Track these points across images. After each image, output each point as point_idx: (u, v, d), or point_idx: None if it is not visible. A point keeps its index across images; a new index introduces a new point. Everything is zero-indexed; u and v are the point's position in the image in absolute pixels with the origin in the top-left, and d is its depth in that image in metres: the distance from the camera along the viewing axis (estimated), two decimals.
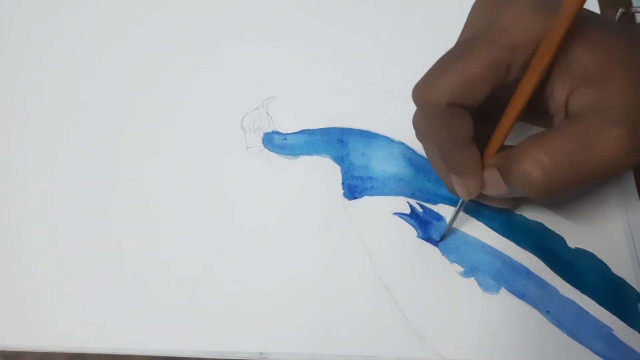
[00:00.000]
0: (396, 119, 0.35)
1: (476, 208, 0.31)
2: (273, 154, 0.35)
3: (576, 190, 0.24)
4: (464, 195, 0.27)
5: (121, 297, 0.31)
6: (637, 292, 0.29)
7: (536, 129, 0.25)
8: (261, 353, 0.29)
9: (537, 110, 0.26)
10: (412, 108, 0.34)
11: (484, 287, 0.30)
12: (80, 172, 0.35)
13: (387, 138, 0.34)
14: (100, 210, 0.34)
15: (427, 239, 0.31)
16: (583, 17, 0.23)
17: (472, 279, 0.30)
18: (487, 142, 0.26)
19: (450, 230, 0.31)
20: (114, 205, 0.34)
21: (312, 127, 0.35)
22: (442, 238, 0.31)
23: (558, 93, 0.24)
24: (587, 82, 0.23)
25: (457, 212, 0.29)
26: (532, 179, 0.23)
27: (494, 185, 0.26)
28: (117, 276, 0.32)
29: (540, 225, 0.31)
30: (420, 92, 0.25)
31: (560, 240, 0.30)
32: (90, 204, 0.34)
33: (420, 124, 0.28)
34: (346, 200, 0.33)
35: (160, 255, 0.32)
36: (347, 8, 0.39)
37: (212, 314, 0.30)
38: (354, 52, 0.37)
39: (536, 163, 0.23)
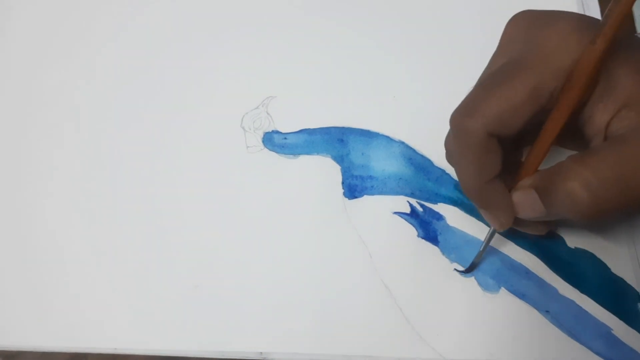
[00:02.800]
0: (396, 119, 0.35)
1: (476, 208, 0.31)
2: (273, 154, 0.35)
3: (621, 213, 0.23)
4: (496, 227, 0.27)
5: (121, 297, 0.31)
6: (637, 292, 0.29)
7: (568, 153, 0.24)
8: (261, 353, 0.29)
9: (572, 134, 0.25)
10: (412, 107, 0.34)
11: (484, 286, 0.30)
12: (80, 172, 0.35)
13: (387, 137, 0.34)
14: (100, 210, 0.34)
15: (428, 238, 0.31)
16: (622, 40, 0.23)
17: (472, 278, 0.30)
18: (513, 166, 0.26)
19: (479, 260, 0.30)
20: (114, 205, 0.34)
21: (312, 127, 0.35)
22: (472, 268, 0.30)
23: (599, 116, 0.23)
24: (629, 105, 0.23)
25: (487, 242, 0.29)
26: (578, 199, 0.22)
27: (531, 209, 0.25)
28: (117, 276, 0.32)
29: None
30: (460, 119, 0.24)
31: (560, 240, 0.30)
32: (90, 205, 0.34)
33: (452, 148, 0.27)
34: (346, 199, 0.33)
35: (160, 255, 0.32)
36: (347, 8, 0.39)
37: (212, 314, 0.30)
38: (354, 51, 0.37)
39: (582, 182, 0.22)
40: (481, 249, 0.29)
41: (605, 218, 0.23)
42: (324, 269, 0.31)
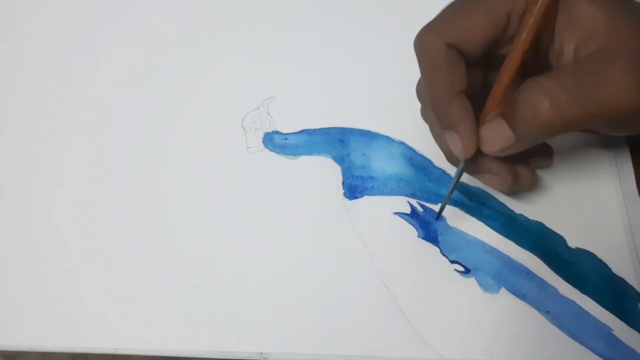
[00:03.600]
0: (397, 119, 0.35)
1: (476, 208, 0.31)
2: (273, 154, 0.35)
3: (584, 124, 0.24)
4: (459, 153, 0.26)
5: (122, 297, 0.31)
6: (637, 292, 0.29)
7: None
8: (261, 353, 0.29)
9: (538, 65, 0.26)
10: (413, 107, 0.34)
11: (484, 287, 0.30)
12: (81, 173, 0.35)
13: (388, 138, 0.34)
14: (100, 211, 0.34)
15: (428, 239, 0.31)
16: None
17: (472, 279, 0.30)
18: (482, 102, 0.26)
19: (447, 203, 0.30)
20: (114, 206, 0.34)
21: (312, 127, 0.35)
22: (439, 215, 0.31)
23: (566, 46, 0.24)
24: (594, 35, 0.23)
25: (456, 181, 0.29)
26: (541, 109, 0.23)
27: (498, 136, 0.25)
28: (118, 276, 0.32)
29: (540, 225, 0.31)
30: (421, 36, 0.26)
31: (560, 240, 0.30)
32: (91, 205, 0.34)
33: (421, 87, 0.28)
34: (346, 200, 0.33)
35: (160, 255, 0.32)
36: (347, 8, 0.39)
37: (212, 314, 0.30)
38: (355, 51, 0.37)
39: (542, 89, 0.23)
40: (450, 189, 0.29)
41: (569, 129, 0.23)
42: (324, 269, 0.31)
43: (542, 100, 0.23)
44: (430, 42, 0.25)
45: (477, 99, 0.26)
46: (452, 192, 0.29)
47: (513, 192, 0.31)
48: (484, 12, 0.24)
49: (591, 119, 0.23)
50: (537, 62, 0.26)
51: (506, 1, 0.24)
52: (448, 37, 0.24)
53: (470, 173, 0.29)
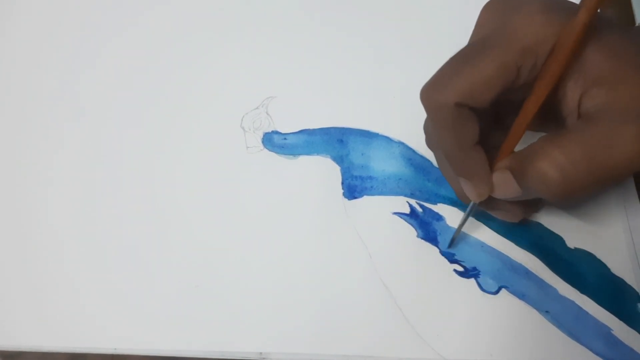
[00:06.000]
0: (396, 119, 0.35)
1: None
2: (273, 154, 0.35)
3: (592, 191, 0.24)
4: (473, 197, 0.27)
5: (121, 297, 0.31)
6: (637, 292, 0.29)
7: None
8: (261, 353, 0.29)
9: (549, 115, 0.26)
10: (412, 107, 0.34)
11: (484, 287, 0.30)
12: (80, 172, 0.35)
13: (387, 138, 0.34)
14: (100, 210, 0.34)
15: (427, 239, 0.31)
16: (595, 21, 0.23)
17: (472, 279, 0.30)
18: (497, 151, 0.26)
19: (458, 236, 0.30)
20: (114, 205, 0.34)
21: (311, 127, 0.35)
22: (451, 245, 0.31)
23: (570, 94, 0.24)
24: (599, 83, 0.23)
25: (466, 217, 0.29)
26: (549, 180, 0.23)
27: (506, 188, 0.26)
28: (117, 276, 0.32)
29: (539, 225, 0.31)
30: (428, 93, 0.25)
31: (559, 240, 0.31)
32: (90, 204, 0.34)
33: (429, 127, 0.28)
34: (346, 200, 0.33)
35: (160, 255, 0.32)
36: (347, 7, 0.39)
37: (212, 313, 0.30)
38: (354, 51, 0.37)
39: (553, 162, 0.23)
40: (460, 223, 0.29)
41: (577, 196, 0.23)
42: (323, 269, 0.31)
43: (553, 174, 0.23)
44: (438, 101, 0.24)
45: (485, 133, 0.26)
46: (462, 225, 0.29)
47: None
48: (493, 68, 0.23)
49: (600, 186, 0.23)
50: (545, 106, 0.25)
51: (516, 55, 0.23)
52: (457, 97, 0.24)
53: (482, 207, 0.29)
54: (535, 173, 0.23)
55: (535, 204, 0.30)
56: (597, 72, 0.23)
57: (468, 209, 0.29)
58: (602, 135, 0.22)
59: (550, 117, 0.26)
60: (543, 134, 0.25)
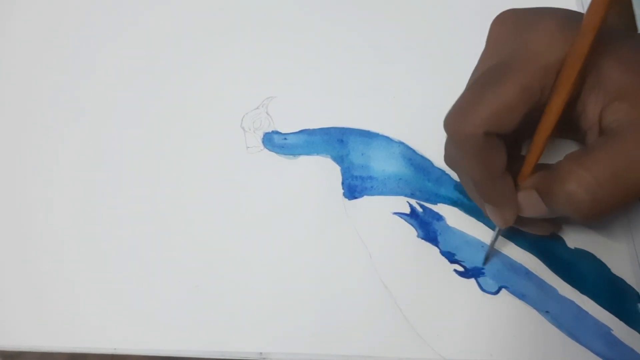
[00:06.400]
0: (396, 119, 0.35)
1: (476, 208, 0.31)
2: (273, 154, 0.35)
3: (621, 208, 0.24)
4: (499, 224, 0.27)
5: (121, 297, 0.31)
6: (637, 292, 0.29)
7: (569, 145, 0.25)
8: (261, 353, 0.29)
9: (569, 127, 0.25)
10: (412, 107, 0.34)
11: (484, 287, 0.30)
12: (80, 173, 0.35)
13: (387, 138, 0.34)
14: (100, 210, 0.34)
15: (428, 239, 0.31)
16: (609, 33, 0.23)
17: (472, 279, 0.30)
18: (515, 162, 0.26)
19: (492, 254, 0.30)
20: (114, 206, 0.34)
21: (312, 127, 0.35)
22: (486, 262, 0.30)
23: (591, 108, 0.24)
24: (620, 97, 0.23)
25: (495, 238, 0.29)
26: (578, 201, 0.22)
27: (533, 207, 0.25)
28: (117, 276, 0.32)
29: None
30: (454, 124, 0.24)
31: (559, 240, 0.30)
32: (90, 205, 0.34)
33: (453, 152, 0.27)
34: (346, 200, 0.33)
35: (160, 255, 0.32)
36: (347, 8, 0.39)
37: (212, 313, 0.30)
38: (354, 51, 0.37)
39: (581, 183, 0.22)
40: (492, 240, 0.29)
41: (606, 215, 0.23)
42: (323, 269, 0.31)
43: (582, 196, 0.22)
44: (466, 131, 0.24)
45: (510, 155, 0.26)
46: (494, 241, 0.29)
47: None
48: (517, 92, 0.23)
49: (628, 202, 0.23)
50: (565, 119, 0.25)
51: (538, 77, 0.23)
52: (485, 126, 0.23)
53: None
54: (564, 194, 0.23)
55: (564, 218, 0.30)
56: (617, 86, 0.23)
57: (496, 231, 0.29)
58: (628, 153, 0.22)
59: (570, 129, 0.26)
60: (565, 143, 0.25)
